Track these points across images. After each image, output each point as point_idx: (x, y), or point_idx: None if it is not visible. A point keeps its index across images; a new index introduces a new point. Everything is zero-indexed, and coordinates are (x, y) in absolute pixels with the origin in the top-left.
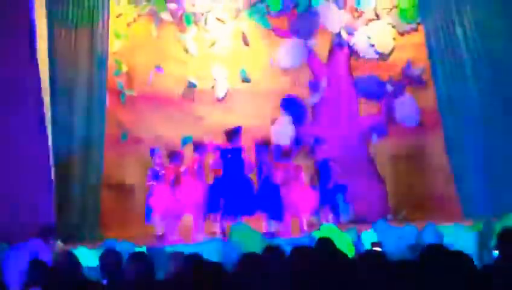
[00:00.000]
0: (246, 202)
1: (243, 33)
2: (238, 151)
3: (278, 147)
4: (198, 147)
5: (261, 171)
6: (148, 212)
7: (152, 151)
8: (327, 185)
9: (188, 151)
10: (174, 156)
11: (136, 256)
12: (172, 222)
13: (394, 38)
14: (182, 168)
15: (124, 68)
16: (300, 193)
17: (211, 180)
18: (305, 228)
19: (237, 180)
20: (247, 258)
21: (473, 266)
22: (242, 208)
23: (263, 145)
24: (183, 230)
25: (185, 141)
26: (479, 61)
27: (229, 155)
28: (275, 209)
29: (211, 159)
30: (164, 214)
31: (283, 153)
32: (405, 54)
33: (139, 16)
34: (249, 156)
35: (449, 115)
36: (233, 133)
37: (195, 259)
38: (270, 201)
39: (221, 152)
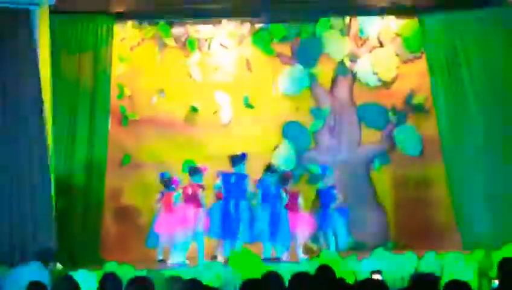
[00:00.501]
0: (246, 228)
1: (247, 59)
2: (241, 177)
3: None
4: (194, 171)
5: (265, 198)
6: (152, 236)
7: (162, 176)
8: (328, 211)
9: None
10: (169, 180)
11: (136, 280)
12: (172, 245)
13: (397, 67)
14: (175, 193)
15: (127, 92)
16: (297, 218)
17: (209, 205)
18: (302, 253)
19: (238, 206)
20: (248, 285)
21: None
22: (242, 234)
23: (267, 172)
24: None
25: (186, 166)
26: (482, 91)
27: (232, 181)
28: (281, 235)
29: (214, 183)
30: (165, 237)
31: (282, 179)
32: (408, 82)
33: (142, 40)
34: (252, 182)
35: (450, 144)
36: (238, 159)
37: (194, 284)
38: (277, 227)
39: (223, 177)
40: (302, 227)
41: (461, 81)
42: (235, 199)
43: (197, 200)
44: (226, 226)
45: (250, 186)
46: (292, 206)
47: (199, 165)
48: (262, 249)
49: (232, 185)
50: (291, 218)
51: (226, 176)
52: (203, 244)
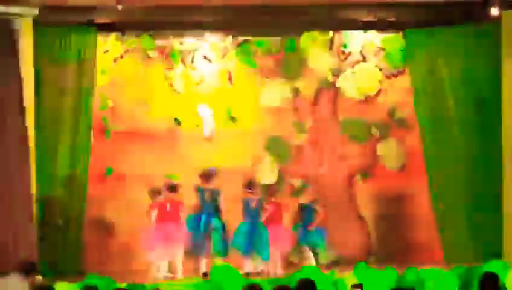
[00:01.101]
0: (219, 243)
1: (230, 72)
2: (213, 192)
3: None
4: (169, 186)
5: (246, 212)
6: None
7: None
8: (308, 227)
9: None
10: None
11: None
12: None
13: (380, 81)
14: (153, 207)
15: (110, 104)
16: (279, 231)
17: (184, 220)
18: (283, 267)
19: (210, 221)
20: None
21: None
22: (215, 249)
23: (248, 185)
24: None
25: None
26: (465, 106)
27: (205, 196)
28: (261, 250)
29: (190, 198)
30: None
31: (267, 191)
32: (391, 96)
33: (126, 52)
34: (231, 195)
35: (433, 159)
36: (208, 175)
37: None
38: (256, 242)
39: (199, 192)
40: (284, 240)
41: (444, 95)
42: (208, 214)
43: (177, 217)
44: (200, 241)
45: (225, 201)
46: (275, 219)
47: (175, 181)
48: (243, 263)
49: (206, 200)
50: (273, 231)
51: (200, 192)
52: (181, 259)
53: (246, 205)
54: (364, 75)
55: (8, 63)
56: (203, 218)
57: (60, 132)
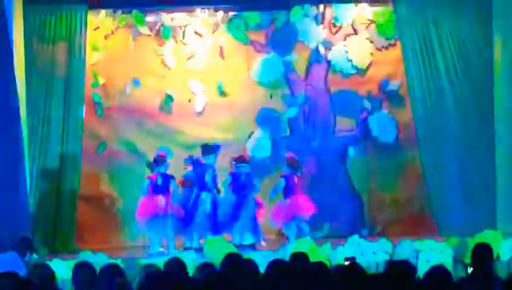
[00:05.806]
0: (207, 218)
1: (221, 47)
2: (207, 167)
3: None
4: (155, 158)
5: (238, 186)
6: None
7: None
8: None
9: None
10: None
11: (109, 268)
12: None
13: (372, 54)
14: (146, 181)
15: (101, 80)
16: (301, 202)
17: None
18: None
19: (200, 196)
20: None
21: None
22: (202, 224)
23: (241, 160)
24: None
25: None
26: (456, 78)
27: (198, 171)
28: (252, 224)
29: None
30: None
31: (288, 164)
32: (382, 69)
33: (116, 28)
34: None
35: (425, 131)
36: (210, 149)
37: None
38: (248, 216)
39: (193, 166)
40: (307, 211)
41: (436, 67)
42: (198, 189)
43: (168, 189)
44: (192, 215)
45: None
46: (297, 190)
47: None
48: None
49: (198, 175)
50: (296, 202)
51: (195, 166)
52: (173, 232)
53: (234, 178)
54: (356, 48)
55: None
56: (195, 192)
57: (52, 109)
